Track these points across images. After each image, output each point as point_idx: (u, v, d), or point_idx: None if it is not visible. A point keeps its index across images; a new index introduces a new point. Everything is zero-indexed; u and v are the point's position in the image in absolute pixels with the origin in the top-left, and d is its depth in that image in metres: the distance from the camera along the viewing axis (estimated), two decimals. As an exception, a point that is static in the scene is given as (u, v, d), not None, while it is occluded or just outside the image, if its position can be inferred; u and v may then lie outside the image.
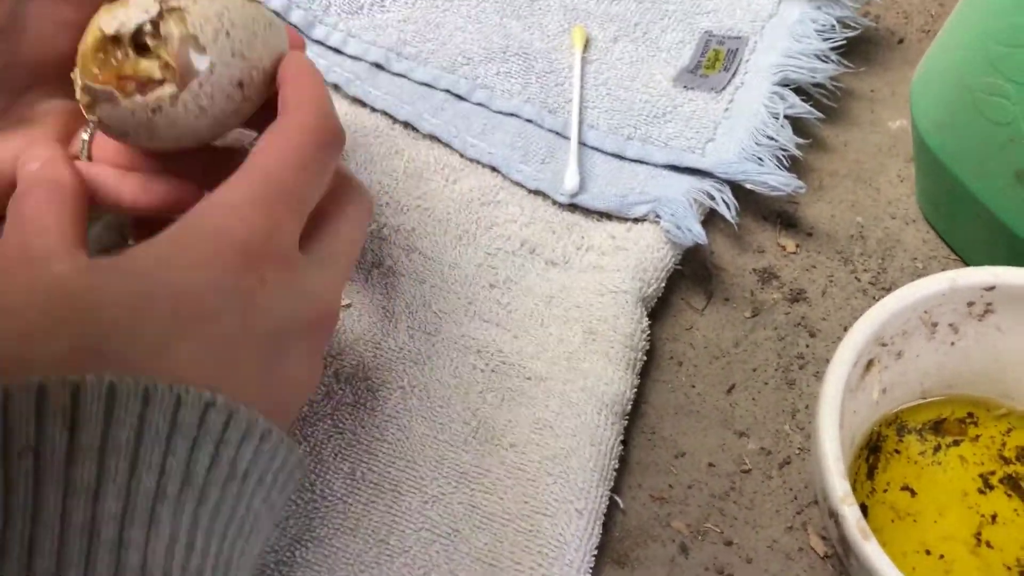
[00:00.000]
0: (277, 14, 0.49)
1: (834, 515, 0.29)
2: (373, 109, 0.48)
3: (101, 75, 0.31)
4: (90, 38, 0.31)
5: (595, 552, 0.35)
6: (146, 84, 0.31)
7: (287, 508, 0.35)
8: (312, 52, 0.49)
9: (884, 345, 0.33)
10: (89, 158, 0.35)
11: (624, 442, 0.38)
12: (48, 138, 0.34)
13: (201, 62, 0.32)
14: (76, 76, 0.32)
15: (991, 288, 0.33)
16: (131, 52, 0.31)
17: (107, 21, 0.31)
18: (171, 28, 0.31)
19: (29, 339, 0.24)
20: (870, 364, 0.33)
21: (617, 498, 0.37)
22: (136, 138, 0.32)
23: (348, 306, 0.41)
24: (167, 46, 0.31)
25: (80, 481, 0.23)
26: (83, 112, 0.32)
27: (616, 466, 0.37)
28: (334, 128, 0.31)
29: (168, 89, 0.31)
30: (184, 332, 0.26)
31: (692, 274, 0.44)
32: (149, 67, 0.31)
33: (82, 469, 0.23)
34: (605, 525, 0.36)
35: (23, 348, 0.24)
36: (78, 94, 0.32)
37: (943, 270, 0.42)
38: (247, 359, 0.27)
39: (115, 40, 0.31)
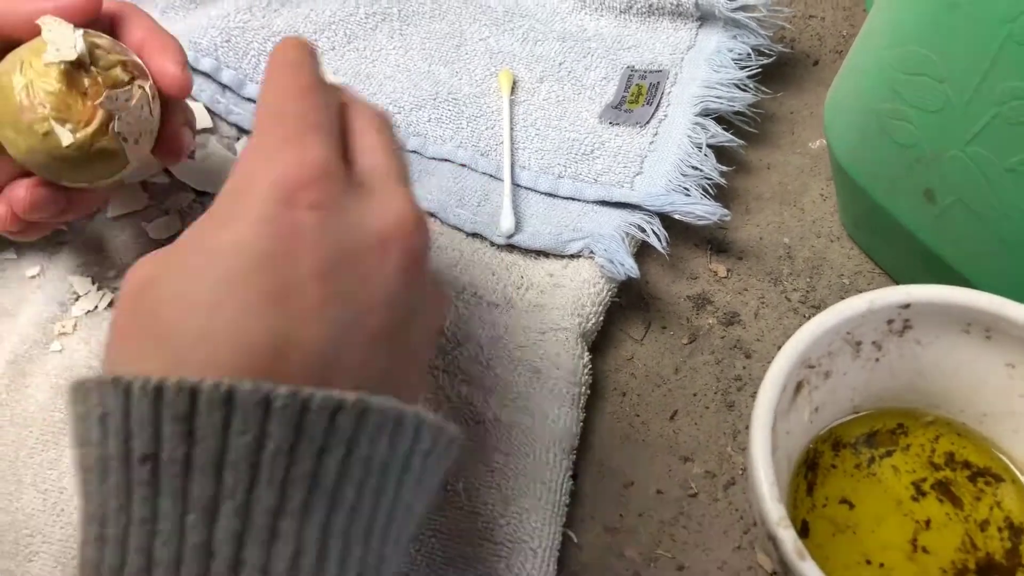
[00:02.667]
0: (208, 75, 0.50)
1: (772, 538, 0.30)
2: (309, 163, 0.49)
3: (90, 98, 0.33)
4: (52, 79, 0.32)
5: (552, 588, 0.36)
6: (122, 86, 0.34)
7: None
8: (244, 110, 0.50)
9: (811, 367, 0.35)
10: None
11: (574, 476, 0.39)
12: None
13: (134, 56, 0.36)
14: (59, 129, 0.33)
15: (906, 306, 0.35)
16: (93, 68, 0.33)
17: (55, 54, 0.32)
18: (96, 39, 0.34)
19: (114, 347, 0.26)
20: (799, 386, 0.35)
21: (570, 533, 0.38)
22: (143, 138, 0.35)
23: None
24: (112, 53, 0.34)
25: (197, 497, 0.22)
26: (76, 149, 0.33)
27: (568, 501, 0.38)
28: (296, 44, 0.30)
29: (141, 81, 0.34)
30: (238, 299, 0.24)
31: (629, 305, 0.45)
32: (116, 73, 0.34)
33: (199, 484, 0.22)
34: (560, 560, 0.37)
35: (113, 354, 0.26)
36: (68, 139, 0.33)
37: (869, 285, 0.44)
38: (326, 298, 0.25)
39: (78, 64, 0.33)
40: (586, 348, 0.42)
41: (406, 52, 0.52)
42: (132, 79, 0.34)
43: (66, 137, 0.33)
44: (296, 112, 0.28)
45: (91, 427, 0.23)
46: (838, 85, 0.43)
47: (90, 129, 0.33)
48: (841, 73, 0.43)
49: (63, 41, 0.32)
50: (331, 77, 0.32)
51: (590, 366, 0.42)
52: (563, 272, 0.44)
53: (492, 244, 0.46)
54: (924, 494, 0.36)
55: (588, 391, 0.41)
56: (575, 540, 0.38)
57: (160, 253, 0.26)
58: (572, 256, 0.45)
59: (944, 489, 0.36)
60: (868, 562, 0.35)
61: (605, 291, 0.43)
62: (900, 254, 0.43)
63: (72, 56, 0.32)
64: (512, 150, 0.48)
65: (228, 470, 0.22)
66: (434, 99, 0.50)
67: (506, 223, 0.45)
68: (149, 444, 0.22)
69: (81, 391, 0.24)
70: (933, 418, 0.38)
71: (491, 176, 0.48)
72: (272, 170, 0.25)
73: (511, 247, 0.46)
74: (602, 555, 0.38)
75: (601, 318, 0.43)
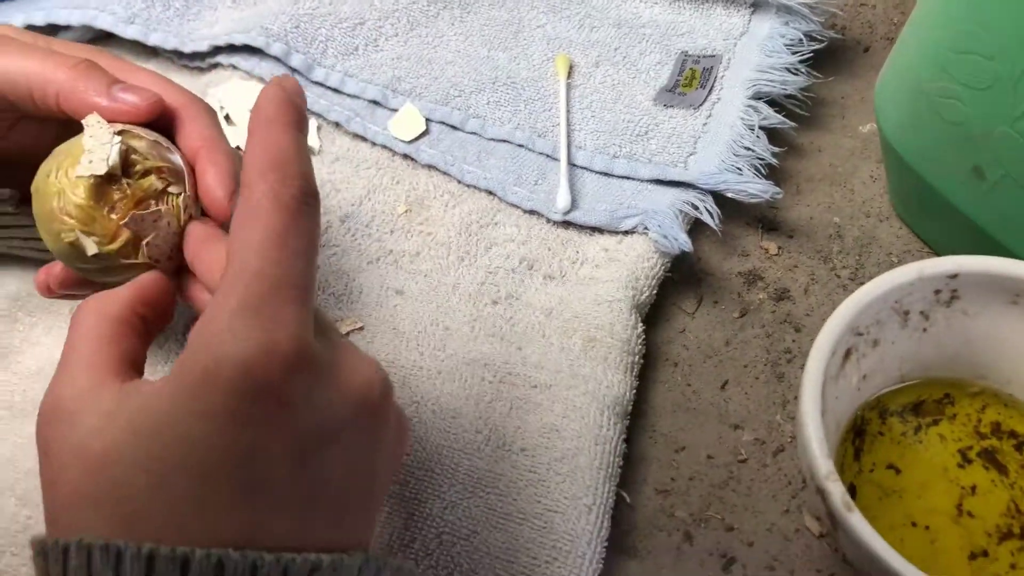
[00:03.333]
0: (277, 59, 0.52)
1: (820, 492, 0.31)
2: (373, 143, 0.51)
3: (118, 214, 0.32)
4: (80, 192, 0.32)
5: (605, 544, 0.37)
6: (156, 198, 0.33)
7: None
8: (312, 93, 0.52)
9: (860, 335, 0.36)
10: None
11: (627, 440, 0.41)
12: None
13: (176, 159, 0.34)
14: (84, 240, 0.32)
15: (954, 276, 0.36)
16: (124, 179, 0.32)
17: (86, 166, 0.32)
18: (135, 142, 0.33)
19: (71, 508, 0.25)
20: (848, 353, 0.36)
21: (623, 493, 0.39)
22: (176, 252, 0.33)
23: (361, 328, 0.44)
24: (148, 158, 0.33)
25: None
26: (112, 266, 0.33)
27: (621, 463, 0.40)
28: (301, 183, 0.27)
29: (176, 189, 0.33)
30: (214, 495, 0.25)
31: (682, 280, 0.46)
32: (149, 181, 0.33)
33: None
34: (613, 519, 0.38)
35: (70, 516, 0.25)
36: (92, 249, 0.32)
37: (917, 262, 0.45)
38: (298, 485, 0.26)
39: (108, 177, 0.32)
40: (639, 319, 0.43)
41: (466, 38, 0.54)
42: (166, 187, 0.33)
43: (91, 247, 0.32)
44: (274, 263, 0.25)
45: None
46: (889, 66, 0.44)
47: (115, 246, 0.32)
48: (892, 54, 0.44)
49: (98, 151, 0.32)
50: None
51: (643, 336, 0.43)
52: (618, 247, 0.46)
53: (548, 221, 0.47)
54: (970, 461, 0.37)
55: (641, 360, 0.43)
56: (628, 500, 0.40)
57: (110, 404, 0.26)
58: (626, 232, 0.46)
59: (990, 457, 0.37)
60: (914, 524, 0.36)
61: (659, 265, 0.45)
62: (948, 232, 0.44)
63: (102, 171, 0.32)
64: (568, 131, 0.50)
65: None
66: (493, 83, 0.52)
67: (562, 201, 0.47)
68: None
69: (56, 550, 0.24)
70: (980, 388, 0.39)
71: (548, 156, 0.50)
72: (241, 352, 0.24)
73: (567, 223, 0.47)
74: (654, 515, 0.39)
75: (655, 291, 0.45)
